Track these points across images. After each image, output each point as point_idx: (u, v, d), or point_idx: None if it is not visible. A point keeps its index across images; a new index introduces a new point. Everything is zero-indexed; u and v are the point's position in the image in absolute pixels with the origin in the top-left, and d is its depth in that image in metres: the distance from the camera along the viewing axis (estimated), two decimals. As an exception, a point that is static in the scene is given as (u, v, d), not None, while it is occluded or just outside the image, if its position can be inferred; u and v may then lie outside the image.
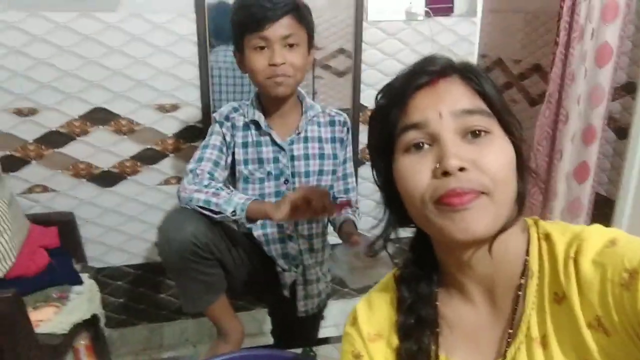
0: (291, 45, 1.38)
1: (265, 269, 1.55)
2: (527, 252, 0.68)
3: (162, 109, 1.92)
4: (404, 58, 2.07)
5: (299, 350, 1.53)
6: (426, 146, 0.65)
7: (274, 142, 1.48)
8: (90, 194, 1.95)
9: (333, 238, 1.72)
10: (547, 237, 0.68)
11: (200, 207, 1.31)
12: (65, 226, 1.83)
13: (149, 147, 1.95)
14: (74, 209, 1.93)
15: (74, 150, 1.89)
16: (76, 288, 1.69)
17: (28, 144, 1.84)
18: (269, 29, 1.34)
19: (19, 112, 1.80)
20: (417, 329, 0.72)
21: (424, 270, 0.75)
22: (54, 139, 1.86)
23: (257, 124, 1.48)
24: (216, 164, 1.44)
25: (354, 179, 1.68)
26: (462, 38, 2.09)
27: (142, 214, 2.01)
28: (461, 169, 0.62)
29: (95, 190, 1.95)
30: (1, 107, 1.79)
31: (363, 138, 2.14)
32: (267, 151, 1.48)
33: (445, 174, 0.62)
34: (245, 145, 1.48)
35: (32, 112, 1.81)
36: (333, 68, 2.78)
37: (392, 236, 0.76)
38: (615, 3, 2.09)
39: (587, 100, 2.18)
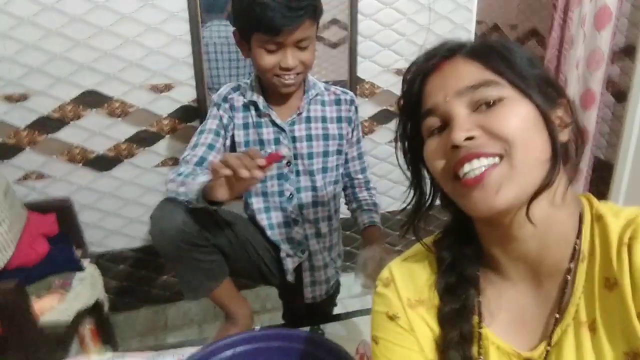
0: (303, 48, 1.30)
1: (269, 254, 1.51)
2: (579, 234, 0.66)
3: (156, 89, 1.88)
4: (401, 28, 2.02)
5: (306, 329, 1.52)
6: (445, 130, 0.67)
7: (274, 123, 1.43)
8: (86, 179, 1.91)
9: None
10: (600, 219, 0.65)
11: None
12: (63, 212, 1.80)
13: (144, 128, 1.91)
14: (71, 194, 1.90)
15: (67, 135, 1.85)
16: (78, 274, 1.68)
17: (20, 130, 1.80)
18: (285, 34, 1.24)
19: (9, 99, 1.75)
20: (459, 288, 0.72)
21: (465, 240, 0.74)
22: (47, 124, 1.81)
23: (256, 105, 1.42)
24: (211, 147, 1.38)
25: (365, 157, 1.64)
26: (459, 6, 2.04)
27: (140, 196, 1.99)
28: (469, 138, 0.62)
29: (92, 174, 1.91)
30: (-10, 94, 1.74)
31: (361, 112, 2.09)
32: (268, 132, 1.43)
33: (454, 147, 0.63)
34: (245, 126, 1.43)
35: (22, 97, 1.76)
36: (326, 39, 2.71)
37: (421, 217, 0.76)
38: (615, -36, 2.05)
39: (586, 65, 2.16)
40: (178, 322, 2.20)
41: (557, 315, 0.65)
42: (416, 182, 0.76)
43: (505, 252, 0.69)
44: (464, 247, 0.74)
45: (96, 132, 1.87)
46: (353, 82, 2.06)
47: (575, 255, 0.65)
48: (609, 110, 2.40)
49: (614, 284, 0.60)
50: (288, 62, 1.28)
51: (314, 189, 1.48)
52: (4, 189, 1.56)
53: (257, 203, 1.48)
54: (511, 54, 0.66)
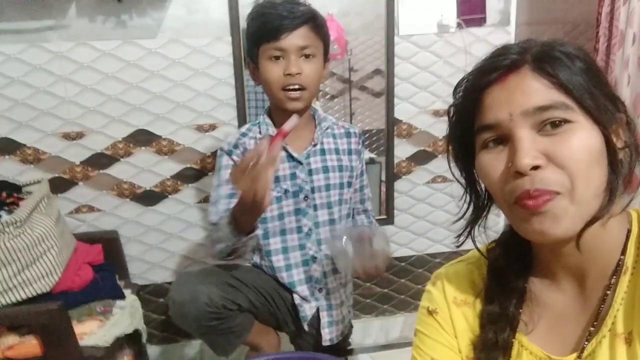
0: (307, 56, 1.33)
1: (283, 301, 1.49)
2: (624, 248, 0.65)
3: (201, 129, 1.98)
4: (437, 70, 2.06)
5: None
6: (502, 145, 0.65)
7: (290, 157, 1.43)
8: (133, 213, 2.01)
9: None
10: None
11: (224, 258, 1.30)
12: (109, 244, 1.90)
13: (188, 166, 2.01)
14: (118, 227, 2.00)
15: (118, 171, 1.97)
16: (119, 303, 1.74)
17: (75, 166, 1.93)
18: (286, 39, 1.30)
19: (67, 136, 1.90)
20: (502, 295, 0.73)
21: (518, 249, 0.74)
22: (100, 160, 1.94)
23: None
24: (231, 196, 1.39)
25: (369, 189, 1.62)
26: (494, 48, 2.07)
27: (183, 231, 2.06)
28: (535, 167, 0.60)
29: (138, 209, 2.01)
30: (51, 132, 1.89)
31: (398, 152, 2.13)
32: (284, 168, 1.42)
33: (519, 173, 0.61)
34: None
35: (79, 135, 1.91)
36: (370, 89, 2.77)
37: (477, 224, 0.77)
38: (656, 5, 2.03)
39: (632, 107, 2.11)
40: (214, 357, 2.21)
41: (593, 327, 0.66)
42: (471, 187, 0.75)
43: (554, 262, 0.70)
44: (515, 257, 0.74)
45: (144, 168, 1.98)
46: (391, 123, 2.10)
47: (618, 268, 0.65)
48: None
49: None
50: (291, 67, 1.30)
51: (332, 222, 1.47)
52: (56, 218, 1.67)
53: (274, 244, 1.46)
54: (574, 64, 0.62)
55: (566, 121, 0.60)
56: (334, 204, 1.46)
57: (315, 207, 1.45)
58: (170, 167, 2.00)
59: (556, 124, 0.60)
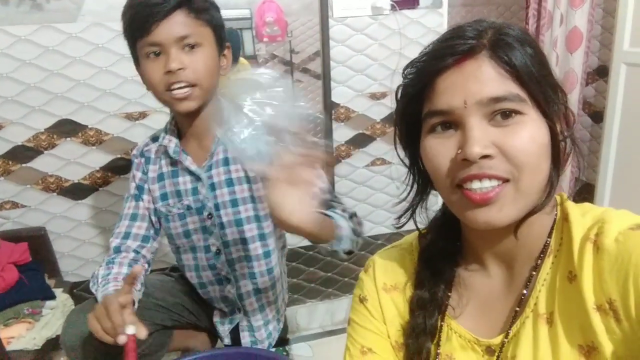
0: (192, 47, 1.12)
1: (204, 314, 1.40)
2: (551, 232, 0.67)
3: (131, 117, 1.90)
4: (372, 53, 2.04)
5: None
6: (451, 129, 0.63)
7: (190, 171, 1.26)
8: (61, 208, 1.92)
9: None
10: (567, 217, 0.66)
11: None
12: (36, 241, 1.81)
13: (119, 156, 1.92)
14: (46, 223, 1.90)
15: (42, 164, 1.86)
16: (49, 303, 1.67)
17: (-6, 160, 1.82)
18: (159, 30, 1.08)
19: (-17, 129, 1.78)
20: (432, 281, 0.74)
21: (449, 235, 0.76)
22: (21, 153, 1.83)
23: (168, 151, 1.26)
24: (133, 217, 1.28)
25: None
26: (429, 30, 2.07)
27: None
28: (484, 157, 0.59)
29: (67, 203, 1.92)
30: (-36, 125, 1.76)
31: (337, 136, 2.12)
32: (184, 181, 1.26)
33: (466, 161, 0.60)
34: (160, 177, 1.28)
35: (-4, 127, 1.79)
36: (312, 71, 2.73)
37: (420, 206, 0.76)
38: (582, -13, 2.08)
39: (561, 86, 2.17)
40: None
41: (518, 308, 0.67)
42: (414, 169, 0.74)
43: (486, 248, 0.71)
44: (445, 242, 0.76)
45: (71, 160, 1.88)
46: (328, 107, 2.08)
47: (544, 251, 0.67)
48: (587, 132, 2.41)
49: (575, 276, 0.62)
50: (170, 63, 1.09)
51: (244, 241, 1.28)
52: (-28, 218, 1.57)
53: (187, 260, 1.35)
54: (526, 51, 0.61)
55: (517, 112, 0.60)
56: (245, 221, 1.27)
57: (222, 226, 1.28)
58: (99, 158, 1.91)
59: (507, 114, 0.60)
